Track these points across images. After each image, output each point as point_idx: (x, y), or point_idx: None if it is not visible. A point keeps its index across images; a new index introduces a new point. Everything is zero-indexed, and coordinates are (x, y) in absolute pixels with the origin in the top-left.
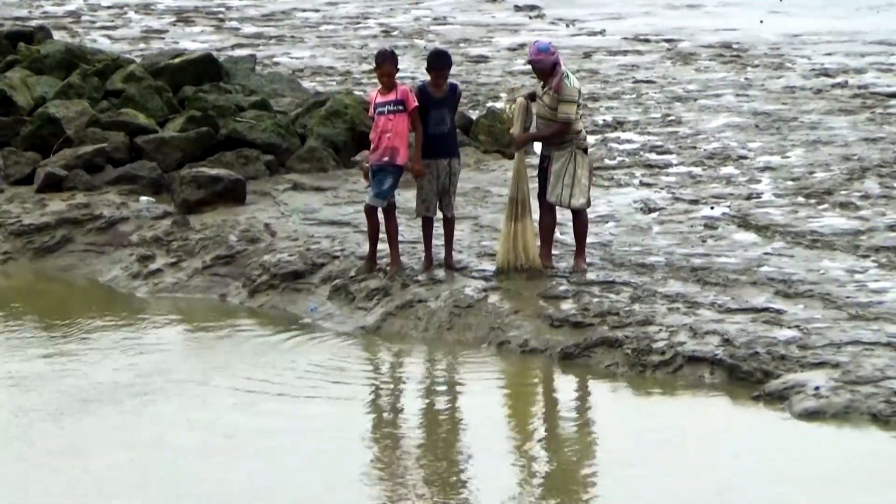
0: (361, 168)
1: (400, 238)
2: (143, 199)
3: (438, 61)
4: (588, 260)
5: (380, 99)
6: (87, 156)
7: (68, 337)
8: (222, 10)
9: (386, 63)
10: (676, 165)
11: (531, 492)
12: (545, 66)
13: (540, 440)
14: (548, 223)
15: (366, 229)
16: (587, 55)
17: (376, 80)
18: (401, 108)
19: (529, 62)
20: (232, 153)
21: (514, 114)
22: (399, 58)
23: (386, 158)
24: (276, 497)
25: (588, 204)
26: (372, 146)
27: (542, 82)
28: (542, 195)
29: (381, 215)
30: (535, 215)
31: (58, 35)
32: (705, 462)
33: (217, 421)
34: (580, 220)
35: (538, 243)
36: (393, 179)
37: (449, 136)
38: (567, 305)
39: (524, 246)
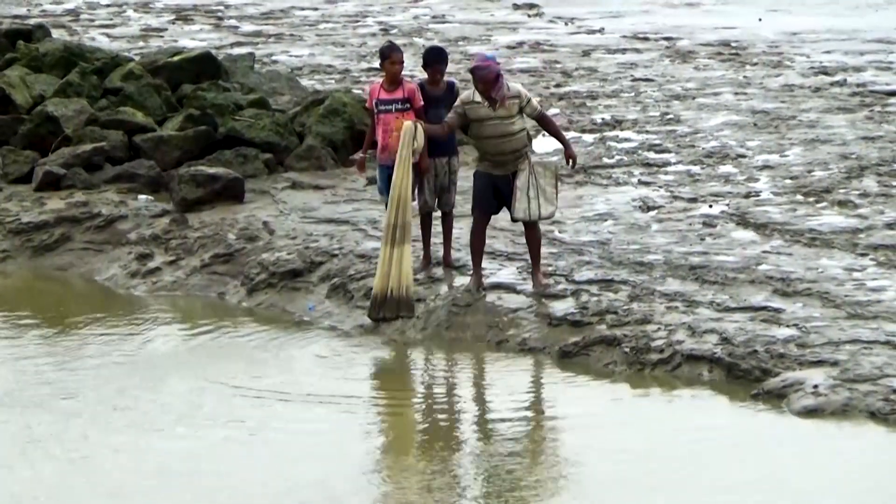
0: (358, 160)
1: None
2: (142, 197)
3: (433, 57)
4: (587, 258)
5: (385, 96)
6: (86, 154)
7: (64, 336)
8: (221, 8)
9: (394, 52)
10: (675, 164)
11: (525, 487)
12: (490, 74)
13: (536, 436)
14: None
15: (364, 227)
16: (586, 53)
17: (375, 78)
18: (408, 105)
19: (474, 69)
20: (230, 152)
21: (402, 137)
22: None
23: None
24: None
25: (555, 212)
26: (380, 144)
27: (486, 101)
28: (487, 209)
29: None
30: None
31: (56, 33)
32: (704, 460)
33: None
34: (534, 234)
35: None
36: (414, 175)
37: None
38: (565, 304)
39: (401, 274)
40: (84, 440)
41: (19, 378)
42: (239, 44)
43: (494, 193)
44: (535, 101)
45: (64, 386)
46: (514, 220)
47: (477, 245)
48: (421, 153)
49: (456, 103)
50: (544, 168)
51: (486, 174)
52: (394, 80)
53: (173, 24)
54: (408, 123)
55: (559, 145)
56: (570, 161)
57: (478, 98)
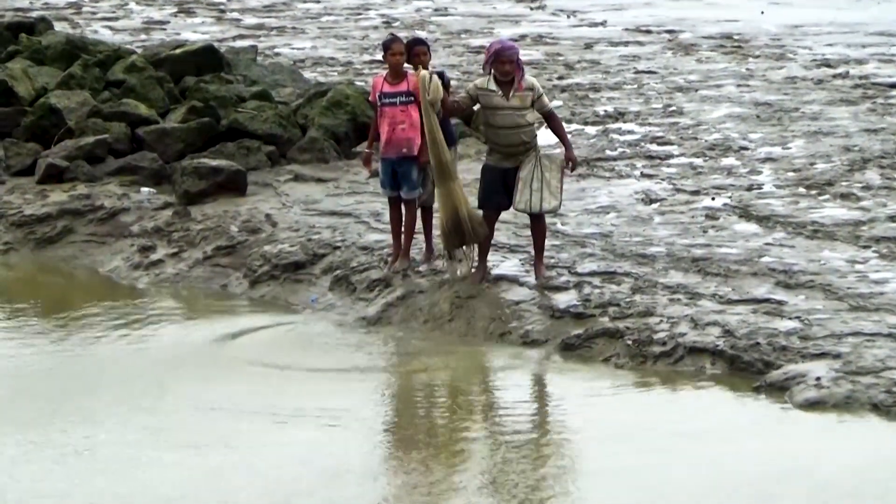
0: (364, 155)
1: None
2: (145, 189)
3: (411, 44)
4: (589, 251)
5: (388, 89)
6: (89, 147)
7: (65, 330)
8: (223, 1)
9: (395, 43)
10: (677, 156)
11: (525, 480)
12: (515, 54)
13: (536, 431)
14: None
15: (367, 219)
16: (588, 46)
17: (378, 71)
18: (412, 98)
19: (500, 50)
20: (233, 144)
21: (427, 85)
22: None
23: (405, 150)
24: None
25: (559, 206)
26: (383, 138)
27: (500, 90)
28: (497, 205)
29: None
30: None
31: (59, 26)
32: (705, 453)
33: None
34: (540, 225)
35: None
36: (418, 169)
37: (445, 124)
38: (568, 296)
39: (462, 202)
40: (81, 442)
41: (16, 375)
42: (241, 36)
43: (504, 188)
44: (546, 97)
45: (62, 385)
46: (516, 210)
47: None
48: (422, 146)
49: (469, 86)
50: (550, 161)
51: (495, 168)
52: (397, 73)
53: (175, 16)
54: (423, 72)
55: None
56: (570, 164)
57: (492, 86)
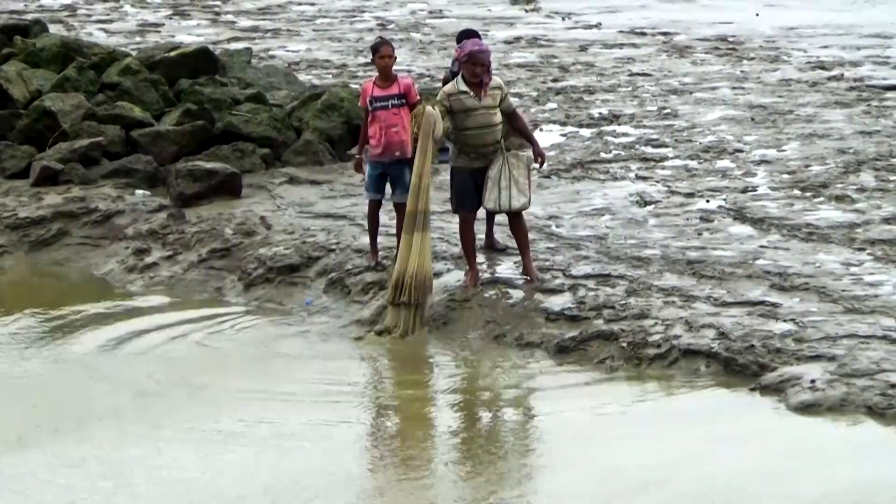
0: (355, 161)
1: (389, 231)
2: (139, 192)
3: (465, 35)
4: (584, 253)
5: (378, 93)
6: (83, 149)
7: (59, 332)
8: (218, 3)
9: (383, 47)
10: (672, 159)
11: (514, 477)
12: (488, 57)
13: (530, 430)
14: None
15: (361, 222)
16: (583, 48)
17: (372, 74)
18: (404, 101)
19: (474, 52)
20: (228, 146)
21: (425, 125)
22: (395, 51)
23: (398, 153)
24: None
25: (528, 204)
26: (374, 142)
27: (472, 92)
28: (472, 205)
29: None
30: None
31: (54, 28)
32: (702, 454)
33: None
34: (519, 224)
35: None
36: (410, 172)
37: None
38: (563, 299)
39: (422, 260)
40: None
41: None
42: (236, 39)
43: (475, 188)
44: (510, 97)
45: (56, 387)
46: (485, 209)
47: (469, 242)
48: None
49: (440, 97)
50: (517, 159)
51: (464, 169)
52: (386, 76)
53: (170, 19)
54: (429, 109)
55: (556, 140)
56: (540, 159)
57: (463, 87)
